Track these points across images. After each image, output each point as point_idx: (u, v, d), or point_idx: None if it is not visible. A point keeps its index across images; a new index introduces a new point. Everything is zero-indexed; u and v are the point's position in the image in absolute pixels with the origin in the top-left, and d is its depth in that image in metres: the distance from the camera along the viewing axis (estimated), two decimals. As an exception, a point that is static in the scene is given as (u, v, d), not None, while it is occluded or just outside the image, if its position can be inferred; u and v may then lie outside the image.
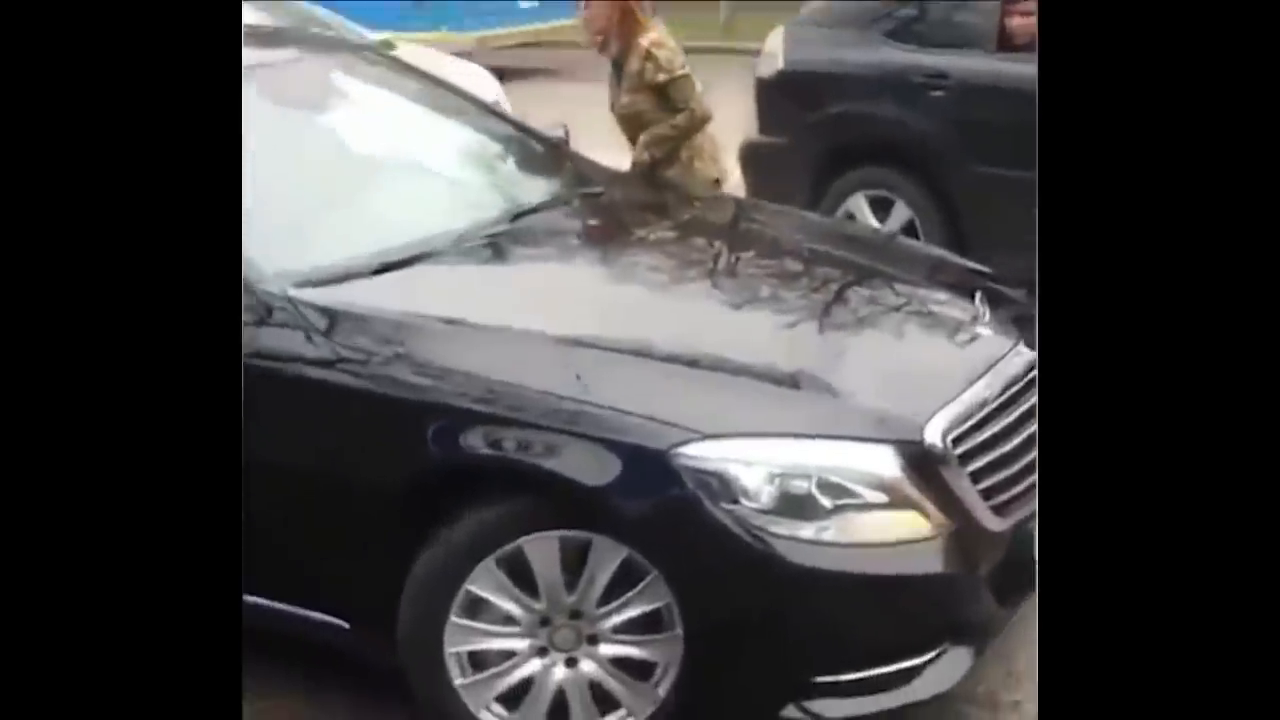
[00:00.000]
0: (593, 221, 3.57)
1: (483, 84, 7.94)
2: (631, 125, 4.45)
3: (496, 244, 3.16)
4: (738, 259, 3.46)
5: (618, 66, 4.44)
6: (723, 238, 3.66)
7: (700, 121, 4.40)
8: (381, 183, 3.35)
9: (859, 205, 5.51)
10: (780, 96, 5.73)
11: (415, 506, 2.52)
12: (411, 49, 8.64)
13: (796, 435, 2.47)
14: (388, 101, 3.80)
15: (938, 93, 5.22)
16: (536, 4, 13.40)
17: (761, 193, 5.79)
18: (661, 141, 4.36)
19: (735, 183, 5.02)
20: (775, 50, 5.74)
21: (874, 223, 5.49)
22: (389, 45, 8.50)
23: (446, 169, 3.56)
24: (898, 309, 3.10)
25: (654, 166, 4.37)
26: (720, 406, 2.50)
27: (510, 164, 3.79)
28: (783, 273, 3.34)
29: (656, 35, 4.35)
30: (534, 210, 3.36)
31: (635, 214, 3.78)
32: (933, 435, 2.51)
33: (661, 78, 4.32)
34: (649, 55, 4.31)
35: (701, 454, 2.40)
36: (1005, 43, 5.14)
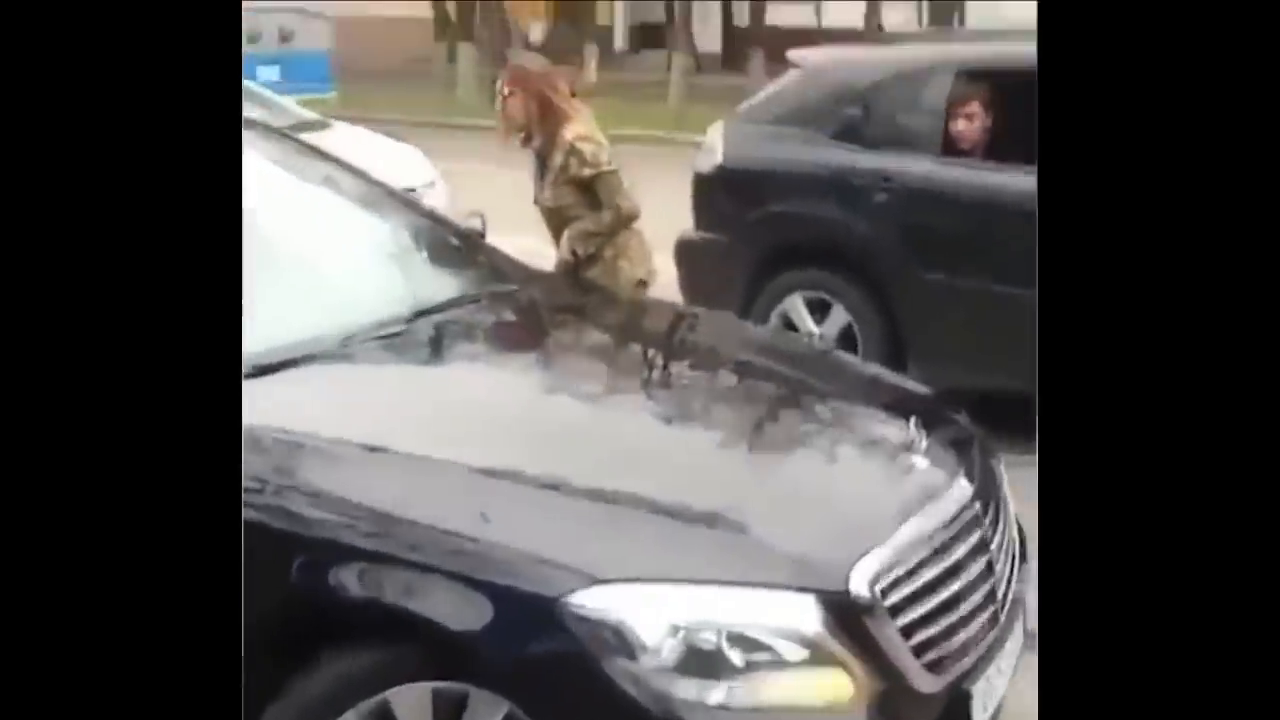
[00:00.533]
0: (503, 323, 3.29)
1: (415, 166, 7.71)
2: (556, 220, 4.20)
3: (392, 345, 2.87)
4: (661, 369, 3.21)
5: (541, 159, 4.20)
6: (645, 345, 3.41)
7: (626, 219, 4.16)
8: (266, 274, 3.05)
9: (796, 306, 5.28)
10: (718, 192, 5.53)
11: (266, 651, 2.19)
12: (347, 128, 8.42)
13: (704, 582, 2.18)
14: (282, 184, 3.51)
15: (881, 195, 5.01)
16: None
17: (696, 290, 5.57)
18: (585, 238, 4.11)
19: (666, 281, 4.75)
20: (714, 145, 5.53)
21: (811, 326, 5.26)
22: (322, 124, 8.29)
23: (341, 261, 3.26)
24: (830, 430, 2.86)
25: (578, 265, 4.11)
26: (621, 547, 2.20)
27: (417, 257, 3.50)
28: (710, 386, 3.09)
29: (582, 128, 4.13)
30: (437, 309, 3.07)
31: (551, 315, 3.51)
32: (859, 583, 2.22)
33: (586, 173, 4.09)
34: (573, 150, 4.09)
35: (594, 602, 2.10)
36: (950, 147, 4.96)
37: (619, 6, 27.67)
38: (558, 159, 4.09)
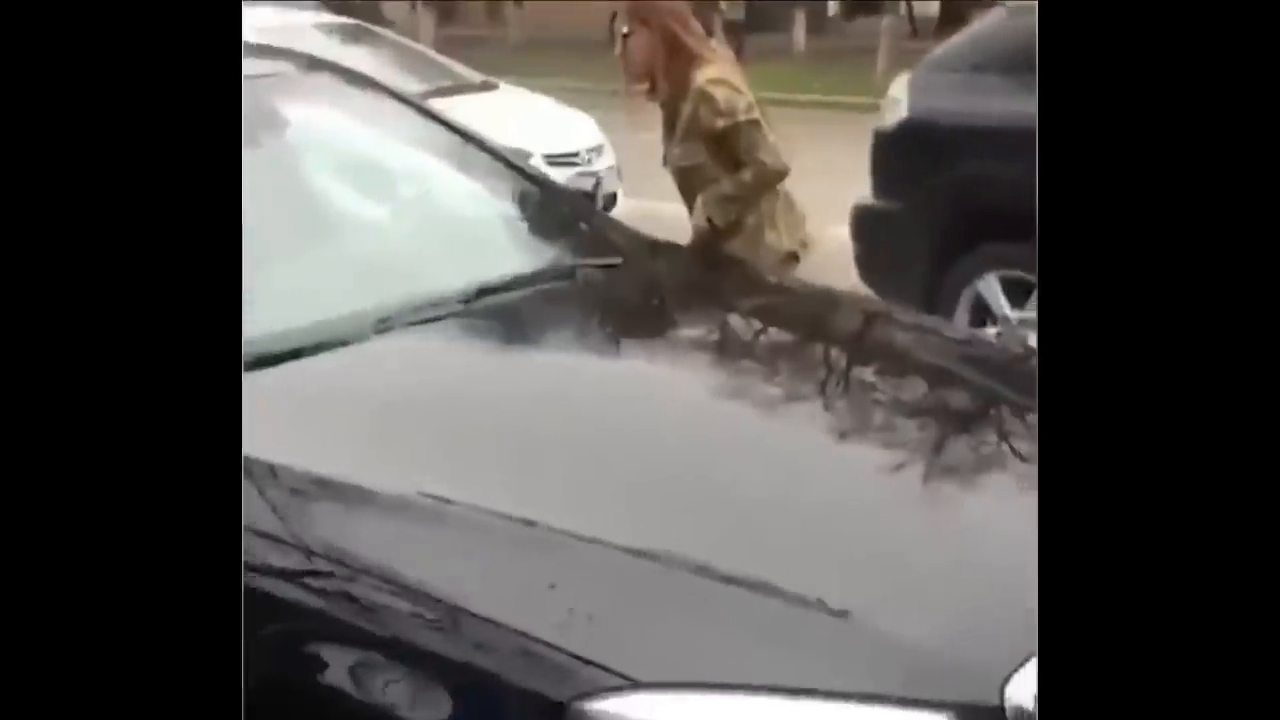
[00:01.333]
0: (594, 307, 2.65)
1: (581, 131, 7.16)
2: (689, 183, 3.49)
3: (437, 330, 2.30)
4: (825, 374, 2.50)
5: (669, 110, 3.51)
6: (792, 338, 2.71)
7: (771, 178, 3.41)
8: (306, 243, 2.51)
9: (990, 287, 4.49)
10: (901, 153, 4.74)
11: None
12: (512, 90, 7.94)
13: (789, 692, 1.51)
14: (361, 142, 2.96)
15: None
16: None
17: (872, 267, 4.83)
18: (722, 203, 3.39)
19: (825, 257, 3.97)
20: (899, 98, 4.75)
21: (1008, 310, 4.46)
22: (488, 85, 7.82)
23: (403, 229, 2.69)
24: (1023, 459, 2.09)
25: (716, 235, 3.43)
26: (683, 637, 1.56)
27: (502, 224, 2.89)
28: (870, 401, 2.39)
29: (715, 70, 3.39)
30: (508, 286, 2.47)
31: (667, 297, 2.85)
32: (1020, 695, 1.52)
33: (720, 124, 3.34)
34: (704, 96, 3.33)
35: (621, 713, 1.46)
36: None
37: (832, -32, 26.63)
38: (687, 109, 3.38)
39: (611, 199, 7.02)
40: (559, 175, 6.78)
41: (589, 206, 3.01)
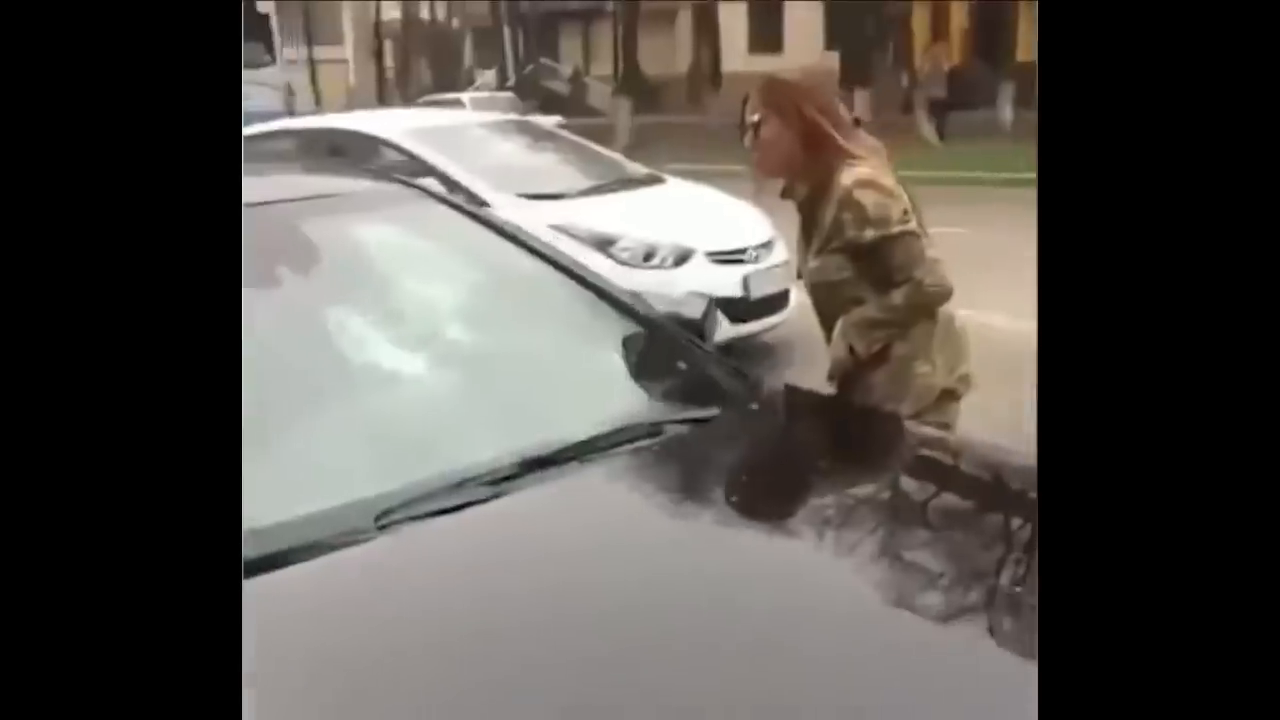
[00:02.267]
0: (681, 476, 2.11)
1: (749, 225, 6.66)
2: (827, 301, 2.92)
3: (467, 525, 1.80)
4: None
5: (807, 214, 2.93)
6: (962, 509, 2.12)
7: (931, 300, 2.80)
8: (314, 398, 2.06)
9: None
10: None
11: None
12: (679, 184, 7.52)
13: None
14: (417, 270, 2.53)
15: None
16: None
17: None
18: (867, 329, 2.80)
19: (989, 398, 3.27)
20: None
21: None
22: (654, 179, 7.42)
23: (431, 383, 2.21)
24: None
25: (857, 366, 2.85)
26: None
27: (574, 368, 2.38)
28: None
29: (864, 170, 2.79)
30: (567, 453, 1.96)
31: (789, 465, 2.28)
32: None
33: (869, 235, 2.74)
34: (850, 201, 2.74)
35: None
36: None
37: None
38: (828, 214, 2.80)
39: (784, 297, 6.50)
40: (725, 274, 6.38)
41: (689, 341, 2.46)
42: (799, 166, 2.84)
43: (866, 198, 2.75)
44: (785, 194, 2.93)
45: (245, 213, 1.54)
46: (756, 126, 2.85)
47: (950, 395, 2.85)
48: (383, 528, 1.76)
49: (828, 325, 2.92)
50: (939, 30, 25.37)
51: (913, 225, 2.78)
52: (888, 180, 2.81)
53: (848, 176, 2.77)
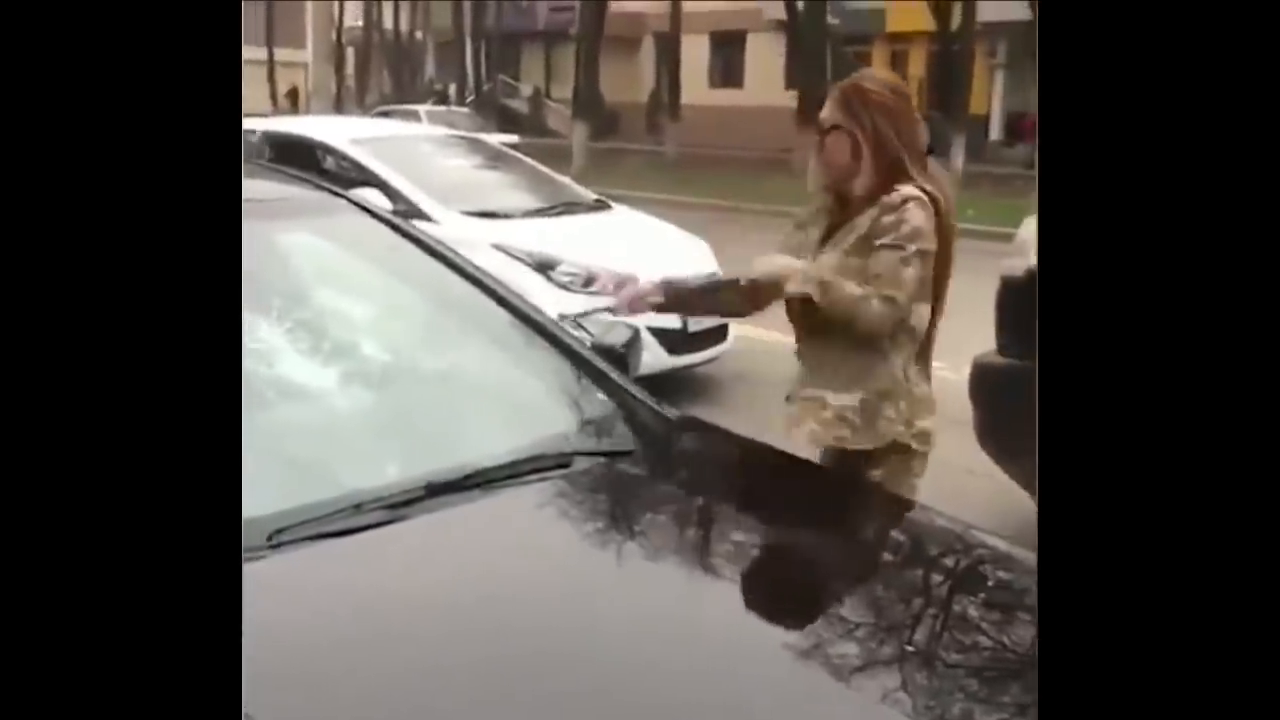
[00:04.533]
0: (586, 511, 2.07)
1: (695, 258, 6.66)
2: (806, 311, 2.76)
3: (356, 543, 1.75)
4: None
5: (843, 213, 2.80)
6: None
7: (889, 323, 2.68)
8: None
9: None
10: (1031, 305, 4.09)
11: None
12: (627, 212, 7.51)
13: None
14: (343, 284, 2.48)
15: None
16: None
17: (994, 437, 4.15)
18: (837, 298, 2.66)
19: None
20: (1026, 242, 4.10)
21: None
22: (600, 205, 7.40)
23: (340, 402, 2.16)
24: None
25: (808, 313, 2.72)
26: None
27: (492, 398, 2.33)
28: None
29: (922, 190, 2.69)
30: (461, 483, 1.91)
31: (708, 508, 2.24)
32: None
33: (886, 240, 2.66)
34: (900, 209, 2.66)
35: None
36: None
37: (996, 94, 26.01)
38: (869, 218, 2.70)
39: (722, 331, 6.49)
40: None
41: (610, 372, 2.42)
42: (859, 173, 2.74)
43: (916, 214, 2.66)
44: (830, 188, 2.85)
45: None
46: (825, 134, 2.77)
47: (903, 450, 2.78)
48: (275, 546, 1.71)
49: (809, 334, 2.82)
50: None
51: (924, 253, 2.68)
52: (942, 208, 2.72)
53: (905, 190, 2.68)
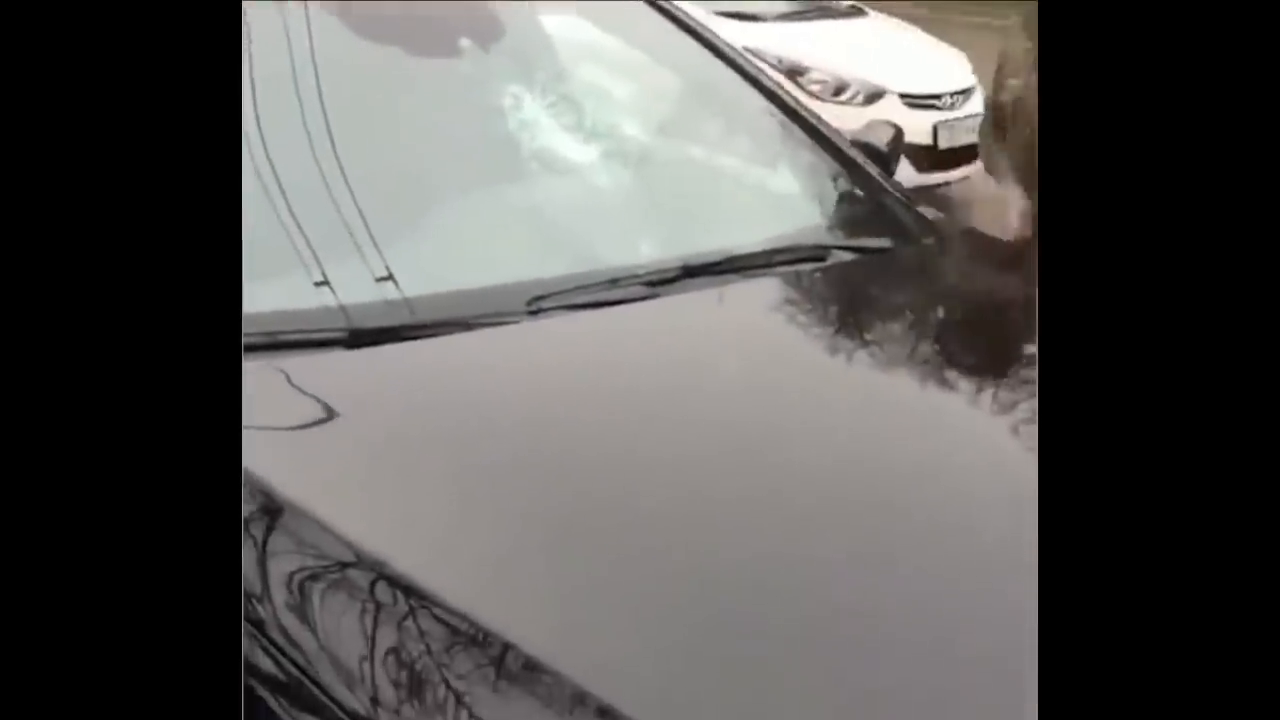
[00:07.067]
0: (835, 302, 2.03)
1: (948, 71, 6.38)
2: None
3: (616, 314, 1.77)
4: None
5: None
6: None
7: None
8: (483, 178, 2.02)
9: None
10: None
11: None
12: (881, 20, 7.21)
13: None
14: (601, 60, 2.45)
15: None
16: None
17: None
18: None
19: None
20: None
21: None
22: (854, 11, 7.14)
23: (604, 178, 2.15)
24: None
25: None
26: None
27: (751, 188, 2.29)
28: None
29: None
30: (720, 266, 1.89)
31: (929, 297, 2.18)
32: None
33: None
34: None
35: None
36: None
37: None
38: None
39: (973, 150, 6.24)
40: (916, 118, 6.11)
41: (872, 171, 2.35)
42: None
43: None
44: None
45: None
46: None
47: None
48: (534, 313, 1.74)
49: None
50: None
51: None
52: None
53: None
